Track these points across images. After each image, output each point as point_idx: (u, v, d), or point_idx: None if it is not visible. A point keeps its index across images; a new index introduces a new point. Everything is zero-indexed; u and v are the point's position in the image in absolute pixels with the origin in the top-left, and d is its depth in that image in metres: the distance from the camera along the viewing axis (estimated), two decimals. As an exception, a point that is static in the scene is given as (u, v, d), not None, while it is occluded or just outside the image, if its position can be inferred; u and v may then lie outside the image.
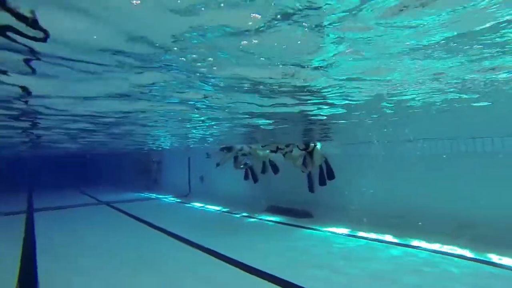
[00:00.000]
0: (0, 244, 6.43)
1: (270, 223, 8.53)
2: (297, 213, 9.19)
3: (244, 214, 9.83)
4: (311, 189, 8.84)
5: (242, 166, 10.18)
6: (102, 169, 25.55)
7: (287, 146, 8.40)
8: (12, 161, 19.83)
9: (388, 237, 6.49)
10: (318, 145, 8.46)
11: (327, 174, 8.49)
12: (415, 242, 6.07)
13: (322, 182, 8.52)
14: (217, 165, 9.74)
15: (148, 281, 4.36)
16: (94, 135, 6.90)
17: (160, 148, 12.57)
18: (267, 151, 9.49)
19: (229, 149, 9.72)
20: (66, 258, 5.45)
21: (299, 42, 1.91)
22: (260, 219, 9.05)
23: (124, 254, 5.75)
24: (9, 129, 5.45)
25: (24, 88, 2.82)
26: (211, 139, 8.04)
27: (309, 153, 8.24)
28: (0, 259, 5.37)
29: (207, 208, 11.33)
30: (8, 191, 17.09)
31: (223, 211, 10.54)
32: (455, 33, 1.85)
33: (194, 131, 6.42)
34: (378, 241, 6.31)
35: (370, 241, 6.36)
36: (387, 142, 7.95)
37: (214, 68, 2.36)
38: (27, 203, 13.95)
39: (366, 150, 8.38)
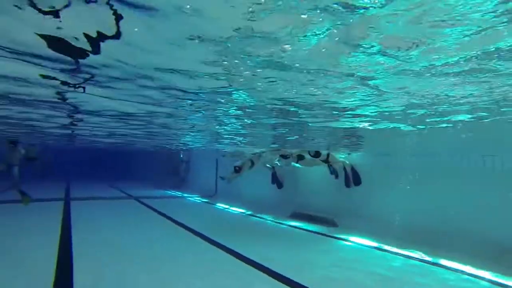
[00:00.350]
0: (45, 222, 7.61)
1: (294, 229, 8.53)
2: (322, 221, 9.13)
3: (268, 218, 9.90)
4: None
5: (268, 166, 10.22)
6: (131, 165, 26.80)
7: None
8: (55, 153, 21.30)
9: (417, 254, 6.22)
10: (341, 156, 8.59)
11: (353, 179, 8.53)
12: (445, 262, 5.78)
13: (347, 185, 8.68)
14: (222, 178, 9.50)
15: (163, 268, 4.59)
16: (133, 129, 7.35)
17: (189, 147, 13.02)
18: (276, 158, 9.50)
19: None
20: (95, 240, 5.99)
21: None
22: (284, 224, 9.08)
23: (147, 245, 6.09)
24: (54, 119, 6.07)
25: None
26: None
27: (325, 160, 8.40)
28: (45, 233, 6.46)
29: (232, 210, 11.51)
30: (51, 180, 18.52)
31: (247, 214, 10.67)
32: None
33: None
34: (406, 257, 6.09)
35: (396, 256, 6.15)
36: (428, 154, 7.72)
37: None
38: (65, 192, 15.03)
39: (402, 161, 8.21)
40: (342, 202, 9.18)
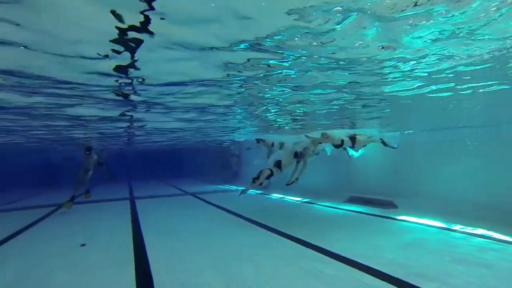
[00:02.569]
0: (119, 216, 9.44)
1: (353, 213, 8.89)
2: (380, 203, 9.33)
3: (325, 204, 10.36)
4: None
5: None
6: (184, 163, 28.90)
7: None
8: (116, 156, 23.84)
9: (495, 234, 6.08)
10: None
11: None
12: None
13: None
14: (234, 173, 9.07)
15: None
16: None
17: (239, 139, 13.84)
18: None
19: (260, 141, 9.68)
20: (160, 231, 7.17)
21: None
22: (341, 209, 9.47)
23: (209, 233, 7.03)
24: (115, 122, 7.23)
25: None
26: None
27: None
28: (120, 224, 8.15)
29: (288, 199, 12.12)
30: (114, 182, 21.00)
31: (304, 202, 11.22)
32: None
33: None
34: (475, 236, 6.11)
35: (468, 236, 6.08)
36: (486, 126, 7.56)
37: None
38: (128, 191, 17.04)
39: (460, 135, 8.07)
40: (400, 183, 9.27)
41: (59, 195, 12.25)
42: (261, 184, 7.77)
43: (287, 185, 8.11)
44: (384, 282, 3.95)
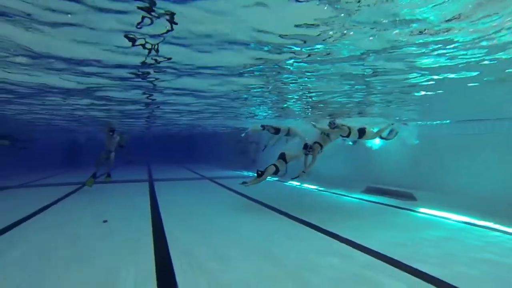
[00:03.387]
0: (139, 196, 9.96)
1: (371, 204, 8.91)
2: (399, 195, 9.26)
3: (341, 193, 10.43)
4: None
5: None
6: (202, 149, 29.43)
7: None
8: (136, 139, 24.61)
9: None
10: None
11: None
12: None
13: None
14: (244, 183, 8.13)
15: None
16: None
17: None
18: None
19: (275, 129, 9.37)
20: (177, 211, 7.52)
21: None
22: (358, 198, 9.51)
23: (222, 214, 7.28)
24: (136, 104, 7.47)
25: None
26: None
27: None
28: (140, 202, 8.70)
29: (304, 187, 12.23)
30: (136, 164, 21.77)
31: (320, 190, 11.30)
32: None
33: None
34: (493, 230, 6.06)
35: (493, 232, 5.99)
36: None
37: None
38: (148, 174, 17.68)
39: (483, 128, 7.84)
40: (420, 175, 9.15)
41: (84, 174, 12.87)
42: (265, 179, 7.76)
43: (292, 179, 8.04)
44: (400, 271, 4.04)
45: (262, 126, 8.96)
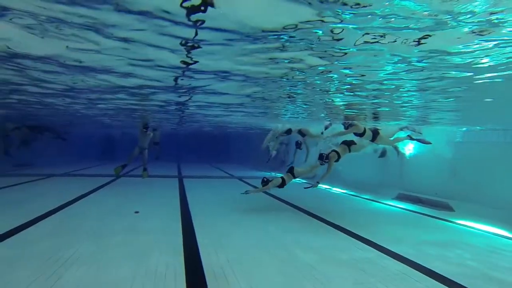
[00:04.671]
0: (172, 188, 10.70)
1: (405, 211, 8.68)
2: (434, 204, 8.92)
3: (371, 198, 10.25)
4: None
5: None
6: (231, 148, 29.85)
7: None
8: (167, 137, 25.48)
9: None
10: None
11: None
12: None
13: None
14: (246, 193, 7.96)
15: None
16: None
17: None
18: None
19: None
20: (205, 205, 7.64)
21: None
22: (391, 205, 9.30)
23: (251, 213, 7.43)
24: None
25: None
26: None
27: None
28: (170, 197, 9.00)
29: (334, 190, 12.13)
30: (165, 161, 22.59)
31: (350, 194, 11.16)
32: None
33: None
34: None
35: None
36: None
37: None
38: (177, 171, 18.29)
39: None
40: (458, 185, 8.76)
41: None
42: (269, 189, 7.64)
43: (304, 188, 7.90)
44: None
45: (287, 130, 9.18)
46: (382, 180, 11.49)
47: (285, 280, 3.74)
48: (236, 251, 4.62)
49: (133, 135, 14.15)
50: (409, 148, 10.30)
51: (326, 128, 7.99)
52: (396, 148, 9.65)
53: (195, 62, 4.30)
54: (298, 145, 10.23)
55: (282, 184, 7.65)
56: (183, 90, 6.47)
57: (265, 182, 7.52)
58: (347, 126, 7.54)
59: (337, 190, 12.16)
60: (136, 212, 6.90)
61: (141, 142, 11.42)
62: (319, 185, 7.63)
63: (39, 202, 7.44)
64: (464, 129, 9.36)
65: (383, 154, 10.41)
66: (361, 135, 7.56)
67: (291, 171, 7.87)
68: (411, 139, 8.50)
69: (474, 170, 8.44)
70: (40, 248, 4.36)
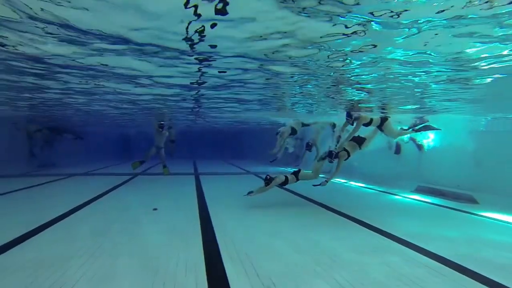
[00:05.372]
0: (189, 185, 10.83)
1: (422, 203, 8.48)
2: (456, 197, 8.66)
3: (390, 191, 10.05)
4: None
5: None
6: (245, 145, 29.90)
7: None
8: (181, 134, 25.77)
9: None
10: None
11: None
12: None
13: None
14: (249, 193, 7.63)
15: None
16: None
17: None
18: None
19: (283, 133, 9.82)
20: (220, 198, 7.72)
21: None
22: (410, 198, 9.10)
23: (268, 207, 7.43)
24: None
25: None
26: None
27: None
28: (188, 192, 9.32)
29: (351, 184, 11.98)
30: (181, 158, 22.84)
31: (368, 188, 11.00)
32: None
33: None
34: None
35: None
36: None
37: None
38: (193, 167, 18.48)
39: None
40: (482, 176, 8.47)
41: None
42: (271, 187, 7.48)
43: (314, 185, 7.78)
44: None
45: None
46: (399, 173, 11.27)
47: (303, 270, 3.73)
48: (255, 245, 4.64)
49: (149, 134, 14.39)
50: (428, 139, 10.04)
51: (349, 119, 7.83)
52: (414, 140, 9.43)
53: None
54: (309, 146, 10.26)
55: (284, 182, 7.57)
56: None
57: (268, 180, 7.40)
58: (352, 121, 7.49)
59: (353, 183, 12.02)
60: (155, 209, 6.99)
61: (157, 142, 11.57)
62: (327, 183, 7.58)
63: (66, 199, 7.89)
64: (489, 118, 9.05)
65: (397, 150, 10.18)
66: (368, 124, 7.59)
67: (296, 173, 7.78)
68: (416, 130, 8.39)
69: (499, 160, 8.15)
70: (80, 234, 4.95)
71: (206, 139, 29.84)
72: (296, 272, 3.74)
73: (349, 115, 7.58)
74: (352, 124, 7.66)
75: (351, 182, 12.22)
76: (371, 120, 7.61)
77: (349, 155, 7.60)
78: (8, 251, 4.24)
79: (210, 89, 7.13)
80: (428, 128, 8.65)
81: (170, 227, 5.51)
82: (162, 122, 11.42)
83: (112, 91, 7.45)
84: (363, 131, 7.86)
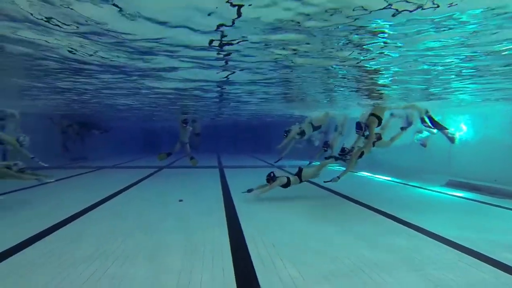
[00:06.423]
0: (214, 178, 11.14)
1: (455, 198, 8.16)
2: (494, 192, 8.24)
3: (418, 185, 9.76)
4: None
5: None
6: (271, 139, 29.82)
7: None
8: (205, 129, 26.11)
9: None
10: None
11: None
12: None
13: None
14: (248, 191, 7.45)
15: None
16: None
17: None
18: None
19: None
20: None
21: None
22: (441, 192, 8.79)
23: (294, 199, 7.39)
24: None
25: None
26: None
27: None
28: (214, 184, 9.58)
29: (377, 178, 11.76)
30: (206, 152, 23.29)
31: (396, 182, 10.73)
32: None
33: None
34: None
35: None
36: None
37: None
38: (217, 161, 18.80)
39: None
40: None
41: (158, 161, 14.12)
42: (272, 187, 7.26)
43: (324, 182, 7.61)
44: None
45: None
46: (428, 166, 10.87)
47: (332, 266, 3.69)
48: (280, 238, 4.66)
49: (172, 128, 14.64)
50: (460, 132, 9.59)
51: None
52: (445, 133, 8.98)
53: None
54: (326, 146, 10.18)
55: (287, 184, 7.39)
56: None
57: (271, 178, 7.23)
58: (362, 133, 7.31)
59: (379, 177, 11.76)
60: (180, 200, 7.15)
61: (181, 137, 11.74)
62: (339, 179, 7.42)
63: (98, 190, 8.52)
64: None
65: (423, 143, 9.75)
66: (379, 123, 7.48)
67: (299, 173, 7.66)
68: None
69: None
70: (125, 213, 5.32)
71: (230, 133, 30.02)
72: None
73: (359, 126, 7.29)
74: (363, 136, 7.45)
75: (377, 176, 11.98)
76: (380, 120, 7.39)
77: (363, 153, 7.47)
78: (74, 221, 5.47)
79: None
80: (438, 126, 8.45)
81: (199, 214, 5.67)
82: (186, 118, 11.61)
83: (146, 86, 7.59)
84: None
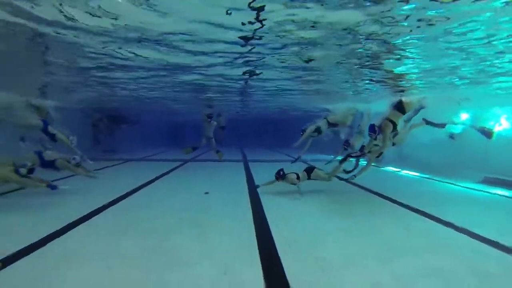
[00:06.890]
0: (238, 171, 11.51)
1: (494, 196, 7.77)
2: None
3: (450, 182, 9.39)
4: None
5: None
6: (292, 133, 29.58)
7: None
8: (229, 123, 26.27)
9: None
10: None
11: None
12: None
13: None
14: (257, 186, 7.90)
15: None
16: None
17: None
18: None
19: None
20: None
21: None
22: (476, 190, 8.41)
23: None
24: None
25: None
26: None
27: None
28: (239, 178, 9.96)
29: (404, 173, 11.46)
30: (230, 146, 23.41)
31: (425, 177, 10.41)
32: None
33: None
34: None
35: None
36: None
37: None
38: (242, 155, 19.06)
39: None
40: None
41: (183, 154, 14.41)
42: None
43: (341, 180, 7.48)
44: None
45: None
46: (461, 162, 10.40)
47: (352, 258, 3.69)
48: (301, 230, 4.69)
49: (196, 121, 14.84)
50: (499, 126, 9.08)
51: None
52: (477, 128, 8.47)
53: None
54: (347, 144, 9.94)
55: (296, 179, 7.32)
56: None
57: (280, 175, 7.23)
58: (375, 136, 6.94)
59: (407, 172, 11.47)
60: (206, 193, 7.26)
61: (206, 132, 11.85)
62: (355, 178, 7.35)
63: (129, 180, 9.04)
64: None
65: (451, 136, 9.27)
66: (394, 129, 7.07)
67: (309, 171, 7.53)
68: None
69: None
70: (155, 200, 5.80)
71: (254, 127, 30.06)
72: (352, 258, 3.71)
73: (372, 129, 6.98)
74: (376, 139, 7.13)
75: (404, 171, 11.68)
76: (395, 126, 7.04)
77: (381, 152, 7.30)
78: (118, 203, 6.28)
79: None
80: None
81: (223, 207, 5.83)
82: (210, 113, 11.74)
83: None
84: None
